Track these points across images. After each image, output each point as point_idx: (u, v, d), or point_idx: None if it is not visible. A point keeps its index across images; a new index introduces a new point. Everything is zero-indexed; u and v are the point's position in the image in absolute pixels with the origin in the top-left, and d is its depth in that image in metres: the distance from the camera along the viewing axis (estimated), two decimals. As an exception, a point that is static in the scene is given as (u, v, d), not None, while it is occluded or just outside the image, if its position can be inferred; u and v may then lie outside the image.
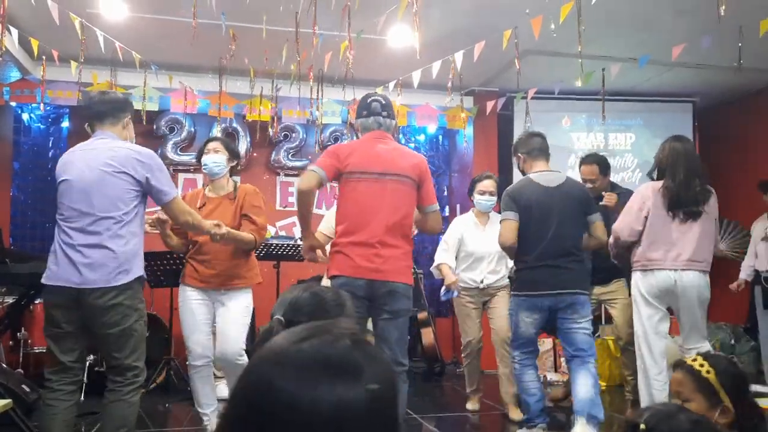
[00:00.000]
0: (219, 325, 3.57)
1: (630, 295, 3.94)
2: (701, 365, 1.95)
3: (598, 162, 4.50)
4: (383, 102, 3.24)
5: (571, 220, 3.65)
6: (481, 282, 4.48)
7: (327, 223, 4.00)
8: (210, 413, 3.62)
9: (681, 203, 3.63)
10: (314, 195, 3.11)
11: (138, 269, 2.86)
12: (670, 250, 3.64)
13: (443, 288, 4.44)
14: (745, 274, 5.48)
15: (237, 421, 0.77)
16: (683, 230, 3.65)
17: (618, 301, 4.51)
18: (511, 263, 4.24)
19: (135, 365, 2.85)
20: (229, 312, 3.54)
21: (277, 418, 0.73)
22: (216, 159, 3.60)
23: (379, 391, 0.76)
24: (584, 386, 3.54)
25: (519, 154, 3.89)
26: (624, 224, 3.76)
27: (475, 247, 4.48)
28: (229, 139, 3.85)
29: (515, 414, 4.33)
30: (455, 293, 4.44)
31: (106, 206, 2.78)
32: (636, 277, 3.75)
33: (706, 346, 3.70)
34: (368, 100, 3.24)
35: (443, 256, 4.52)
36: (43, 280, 2.83)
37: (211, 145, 3.64)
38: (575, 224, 3.68)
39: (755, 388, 5.39)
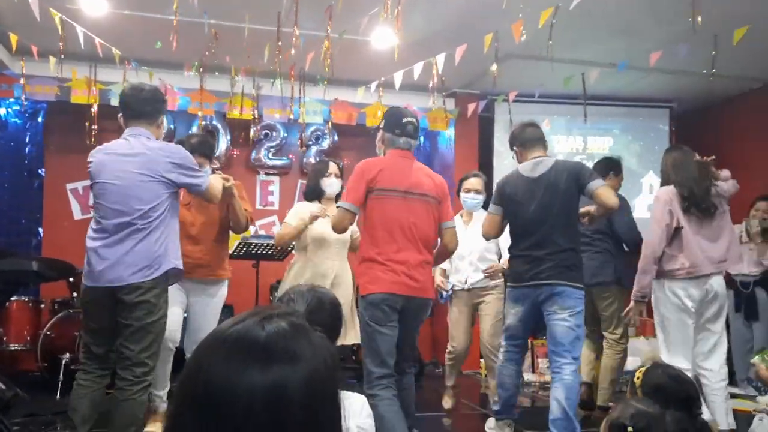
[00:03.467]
0: (192, 315, 3.80)
1: None
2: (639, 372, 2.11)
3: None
4: (416, 125, 3.35)
5: (552, 209, 3.50)
6: (465, 282, 4.43)
7: (296, 215, 4.01)
8: (162, 394, 3.78)
9: (697, 204, 3.66)
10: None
11: (167, 263, 2.97)
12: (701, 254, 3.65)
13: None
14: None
15: (182, 406, 0.79)
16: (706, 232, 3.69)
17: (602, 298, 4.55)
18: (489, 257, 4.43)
19: (147, 362, 2.93)
20: (203, 303, 3.80)
21: (213, 402, 0.75)
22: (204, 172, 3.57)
23: (315, 374, 0.78)
24: (555, 400, 3.38)
25: (515, 148, 3.81)
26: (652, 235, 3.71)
27: (460, 247, 4.39)
28: (209, 135, 3.75)
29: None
30: (447, 294, 4.45)
31: (141, 207, 2.91)
32: (674, 284, 3.68)
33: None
34: (403, 121, 3.31)
35: None
36: (84, 282, 2.98)
37: (195, 161, 3.48)
38: (559, 212, 3.50)
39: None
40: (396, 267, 3.11)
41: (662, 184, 3.87)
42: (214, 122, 6.46)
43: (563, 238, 3.49)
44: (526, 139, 3.72)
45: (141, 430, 3.02)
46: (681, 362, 3.46)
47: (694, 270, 3.63)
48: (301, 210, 4.04)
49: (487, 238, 3.92)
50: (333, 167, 4.17)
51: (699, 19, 3.70)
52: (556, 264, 3.46)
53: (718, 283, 3.69)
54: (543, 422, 4.54)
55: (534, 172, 3.60)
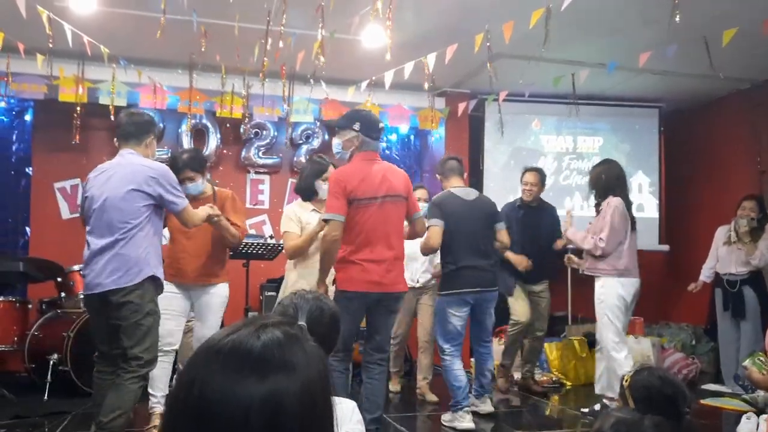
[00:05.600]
0: (198, 314, 3.95)
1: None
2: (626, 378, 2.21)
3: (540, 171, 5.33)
4: (383, 129, 3.65)
5: (483, 229, 4.40)
6: (417, 281, 5.04)
7: (293, 223, 3.96)
8: (160, 396, 3.82)
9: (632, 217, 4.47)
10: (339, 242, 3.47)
11: (149, 269, 3.24)
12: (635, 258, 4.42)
13: None
14: (704, 276, 5.63)
15: (175, 419, 0.78)
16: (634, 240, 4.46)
17: (545, 298, 5.27)
18: (436, 261, 4.93)
19: (140, 356, 3.19)
20: (209, 302, 3.93)
21: (208, 414, 0.74)
22: (196, 186, 3.91)
23: (310, 382, 0.78)
24: (488, 371, 4.52)
25: (438, 175, 4.69)
26: (612, 239, 4.36)
27: (410, 249, 4.42)
28: (197, 148, 4.04)
29: (431, 397, 5.08)
30: None
31: (121, 218, 3.21)
32: (614, 282, 4.35)
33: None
34: (379, 126, 3.64)
35: None
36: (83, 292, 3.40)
37: (186, 175, 3.86)
38: (487, 232, 4.42)
39: (713, 387, 5.57)
40: (370, 267, 3.42)
41: (602, 194, 4.52)
42: (204, 121, 6.41)
43: (494, 252, 4.46)
44: (448, 169, 4.57)
45: (127, 418, 3.20)
46: (623, 345, 4.31)
47: (627, 272, 4.36)
48: (295, 214, 3.98)
49: (433, 250, 4.35)
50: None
51: (677, 18, 3.79)
52: (494, 273, 4.40)
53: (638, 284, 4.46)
54: (530, 421, 4.59)
55: (468, 196, 4.43)
